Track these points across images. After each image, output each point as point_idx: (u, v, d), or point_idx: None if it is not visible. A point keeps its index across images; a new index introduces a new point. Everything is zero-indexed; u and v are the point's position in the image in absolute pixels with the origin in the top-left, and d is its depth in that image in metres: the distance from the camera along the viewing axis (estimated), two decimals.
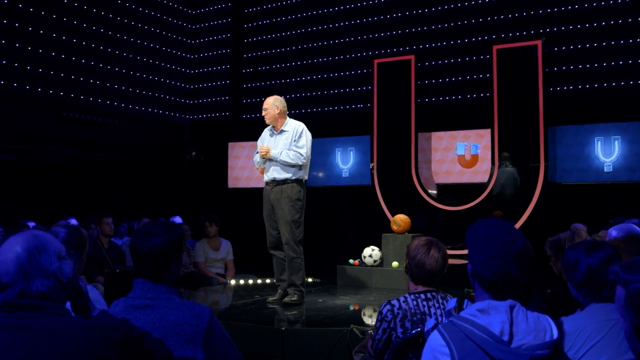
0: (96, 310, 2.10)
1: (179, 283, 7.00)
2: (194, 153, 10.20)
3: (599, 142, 7.47)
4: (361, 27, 9.51)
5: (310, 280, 7.32)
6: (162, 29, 10.30)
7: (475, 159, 8.36)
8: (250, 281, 7.16)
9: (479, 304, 2.10)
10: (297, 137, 5.70)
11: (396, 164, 8.33)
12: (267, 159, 5.68)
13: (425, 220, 8.24)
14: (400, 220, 6.97)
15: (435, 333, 2.09)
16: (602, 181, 7.44)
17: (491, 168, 7.81)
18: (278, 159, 5.60)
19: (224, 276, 7.46)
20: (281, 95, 6.04)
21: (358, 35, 9.50)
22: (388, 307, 3.01)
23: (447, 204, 8.18)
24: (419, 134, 8.36)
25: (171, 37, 10.47)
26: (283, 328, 4.29)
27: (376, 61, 8.61)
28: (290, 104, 10.01)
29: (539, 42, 7.50)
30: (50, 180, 12.18)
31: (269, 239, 5.77)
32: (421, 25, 8.99)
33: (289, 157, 5.59)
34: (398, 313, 2.97)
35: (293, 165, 5.61)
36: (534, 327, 2.07)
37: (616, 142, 7.38)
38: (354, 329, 4.14)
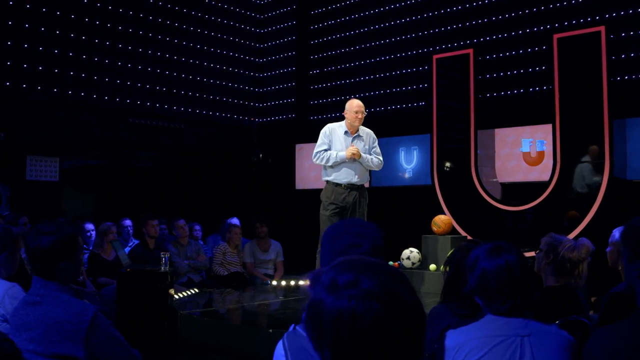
0: None
1: (223, 282, 7.20)
2: (261, 155, 10.33)
3: None
4: (419, 23, 9.20)
5: None
6: (230, 34, 10.55)
7: (541, 155, 7.86)
8: (292, 282, 7.14)
9: None
10: (373, 144, 5.92)
11: (456, 162, 8.01)
12: (348, 161, 5.68)
13: (486, 220, 7.84)
14: (440, 221, 6.67)
15: (280, 341, 1.97)
16: None
17: (552, 165, 7.29)
18: (368, 163, 5.75)
19: (272, 277, 7.50)
20: (347, 96, 6.17)
21: (418, 32, 9.21)
22: None
23: (508, 203, 7.73)
24: (484, 131, 7.99)
25: (239, 42, 10.69)
26: (270, 330, 4.23)
27: (435, 56, 8.35)
28: None
29: (602, 28, 6.89)
30: (131, 182, 12.86)
31: None
32: (479, 18, 8.56)
33: (373, 162, 5.81)
34: None
35: (370, 170, 5.91)
36: None
37: None
38: None
